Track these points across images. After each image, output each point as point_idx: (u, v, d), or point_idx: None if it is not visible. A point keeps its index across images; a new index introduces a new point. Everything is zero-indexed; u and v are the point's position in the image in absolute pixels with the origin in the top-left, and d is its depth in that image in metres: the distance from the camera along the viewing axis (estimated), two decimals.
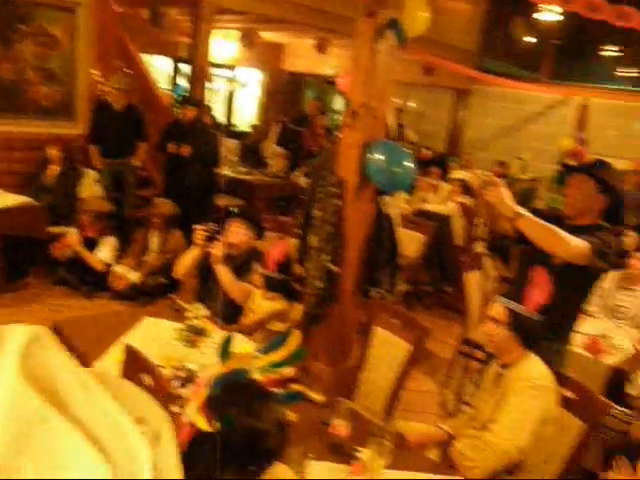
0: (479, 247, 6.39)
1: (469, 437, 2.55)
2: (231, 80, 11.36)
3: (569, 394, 2.61)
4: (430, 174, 7.13)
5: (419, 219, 5.81)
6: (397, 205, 6.38)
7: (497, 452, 2.33)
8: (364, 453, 2.13)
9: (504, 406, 2.41)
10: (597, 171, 2.87)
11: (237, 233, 3.45)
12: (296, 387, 2.32)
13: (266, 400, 1.53)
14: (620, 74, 9.92)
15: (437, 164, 7.41)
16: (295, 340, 1.81)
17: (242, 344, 2.15)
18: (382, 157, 3.15)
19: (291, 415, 2.22)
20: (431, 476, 2.21)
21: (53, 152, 5.78)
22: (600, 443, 3.27)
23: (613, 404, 3.10)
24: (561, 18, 9.12)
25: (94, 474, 0.53)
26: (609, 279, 4.46)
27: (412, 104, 11.79)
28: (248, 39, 8.35)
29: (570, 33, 10.33)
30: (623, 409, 3.20)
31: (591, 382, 3.55)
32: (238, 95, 11.92)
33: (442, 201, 6.58)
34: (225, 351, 1.66)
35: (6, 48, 5.73)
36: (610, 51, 10.20)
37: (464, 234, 6.35)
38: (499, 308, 2.49)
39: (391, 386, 3.04)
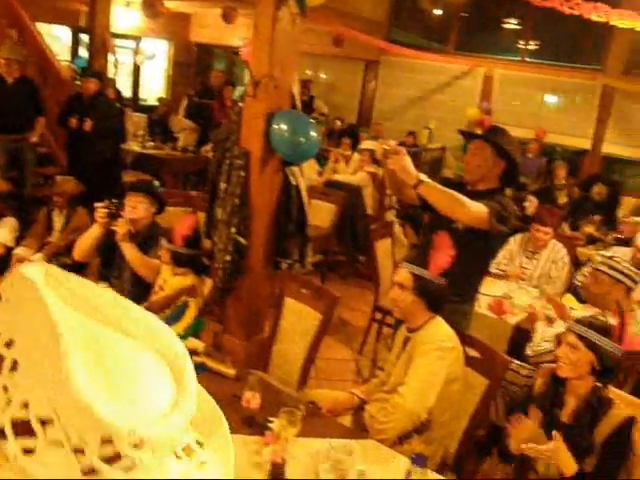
0: (390, 216, 6.52)
1: (380, 401, 2.61)
2: (136, 51, 10.93)
3: (473, 353, 2.72)
4: (341, 145, 7.16)
5: (330, 189, 5.84)
6: (307, 176, 6.39)
7: (405, 413, 2.40)
8: (276, 423, 2.14)
9: (411, 368, 2.47)
10: (493, 137, 2.96)
11: (136, 208, 3.34)
12: (199, 359, 2.29)
13: None
14: (521, 47, 10.24)
15: (348, 135, 7.44)
16: (192, 312, 1.77)
17: None
18: (286, 127, 3.11)
19: None
20: (343, 441, 2.24)
21: None
22: (504, 397, 3.44)
23: (514, 360, 3.26)
24: None
25: (159, 373, 0.62)
26: (515, 241, 4.66)
27: (322, 75, 11.76)
28: (151, 8, 8.02)
29: (475, 6, 10.57)
30: (524, 364, 3.36)
31: (496, 341, 3.71)
32: (145, 67, 11.49)
33: (353, 171, 6.63)
34: None
35: None
36: (512, 24, 10.50)
37: (375, 203, 6.44)
38: (404, 273, 2.54)
39: (304, 356, 3.06)
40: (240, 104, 3.48)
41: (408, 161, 2.61)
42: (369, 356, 4.67)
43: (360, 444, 2.25)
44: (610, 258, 3.42)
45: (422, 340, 2.51)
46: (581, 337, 2.31)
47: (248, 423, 2.27)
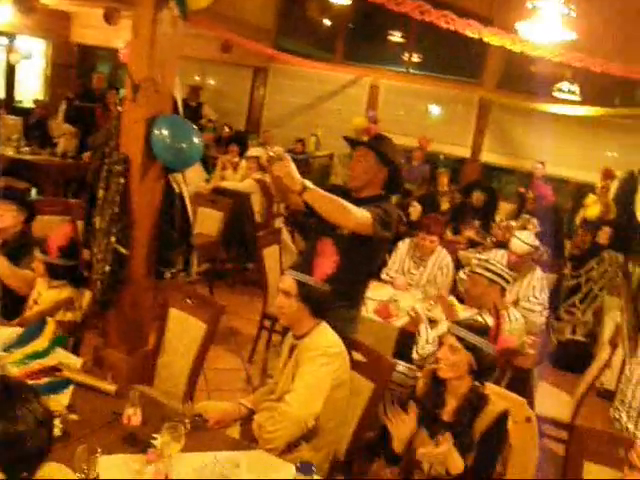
0: (279, 222, 6.52)
1: (268, 409, 2.58)
2: (10, 49, 10.26)
3: (359, 357, 2.76)
4: (230, 152, 7.10)
5: (217, 197, 5.75)
6: (194, 183, 6.28)
7: (293, 421, 2.38)
8: (159, 439, 2.06)
9: (297, 376, 2.46)
10: (377, 144, 3.03)
11: (3, 216, 3.14)
12: (66, 374, 2.15)
13: (20, 398, 1.37)
14: (406, 59, 10.60)
15: (236, 142, 7.38)
16: (51, 328, 1.67)
17: None
18: (167, 133, 3.01)
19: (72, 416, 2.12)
20: (230, 453, 2.20)
21: None
22: (393, 399, 3.51)
23: (399, 362, 3.35)
24: (350, 2, 9.43)
25: None
26: (403, 247, 4.80)
27: (211, 81, 11.61)
28: (25, 4, 7.57)
29: (361, 17, 10.82)
30: (409, 366, 3.45)
31: (383, 344, 3.80)
32: (21, 67, 10.81)
33: (241, 178, 6.58)
34: None
35: None
36: (397, 37, 10.86)
37: (263, 210, 6.41)
38: (288, 281, 2.53)
39: (190, 367, 2.98)
40: (119, 108, 3.34)
41: (293, 167, 2.61)
42: (259, 364, 4.64)
43: (248, 455, 2.21)
44: (486, 261, 3.59)
45: (308, 347, 2.51)
46: (460, 339, 2.40)
47: (130, 441, 2.17)
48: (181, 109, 3.33)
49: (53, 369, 1.97)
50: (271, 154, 2.65)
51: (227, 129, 9.44)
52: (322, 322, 2.59)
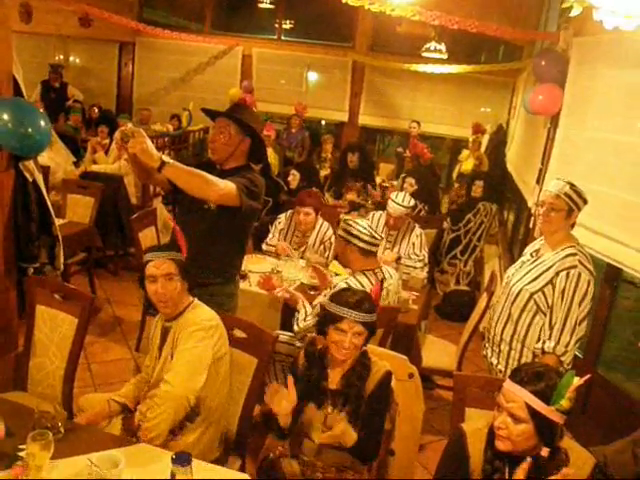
0: (156, 202, 6.29)
1: (150, 397, 2.46)
2: None
3: (240, 334, 2.69)
4: (99, 133, 6.74)
5: (88, 182, 5.43)
6: (63, 168, 5.92)
7: (175, 399, 2.28)
8: (26, 450, 1.91)
9: (177, 354, 2.36)
10: (236, 114, 2.94)
11: None
12: None
13: None
14: (277, 26, 10.43)
15: (106, 122, 6.99)
16: None
17: None
18: (8, 118, 2.76)
19: None
20: (106, 453, 2.07)
21: None
22: (284, 371, 3.49)
23: (282, 333, 3.32)
24: None
25: None
26: (285, 219, 4.74)
27: (75, 59, 10.92)
28: None
29: None
30: (291, 335, 3.41)
31: (269, 316, 3.77)
32: None
33: (113, 161, 6.25)
34: None
35: None
36: (266, 4, 10.64)
37: (139, 191, 6.15)
38: (165, 263, 2.39)
39: (65, 366, 2.80)
40: None
41: (148, 143, 2.47)
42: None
43: (127, 452, 2.10)
44: (345, 221, 3.53)
45: (184, 325, 2.41)
46: (363, 322, 2.38)
47: None
48: (24, 90, 3.06)
49: None
50: (123, 130, 2.49)
51: (96, 109, 8.94)
52: (194, 299, 2.51)
